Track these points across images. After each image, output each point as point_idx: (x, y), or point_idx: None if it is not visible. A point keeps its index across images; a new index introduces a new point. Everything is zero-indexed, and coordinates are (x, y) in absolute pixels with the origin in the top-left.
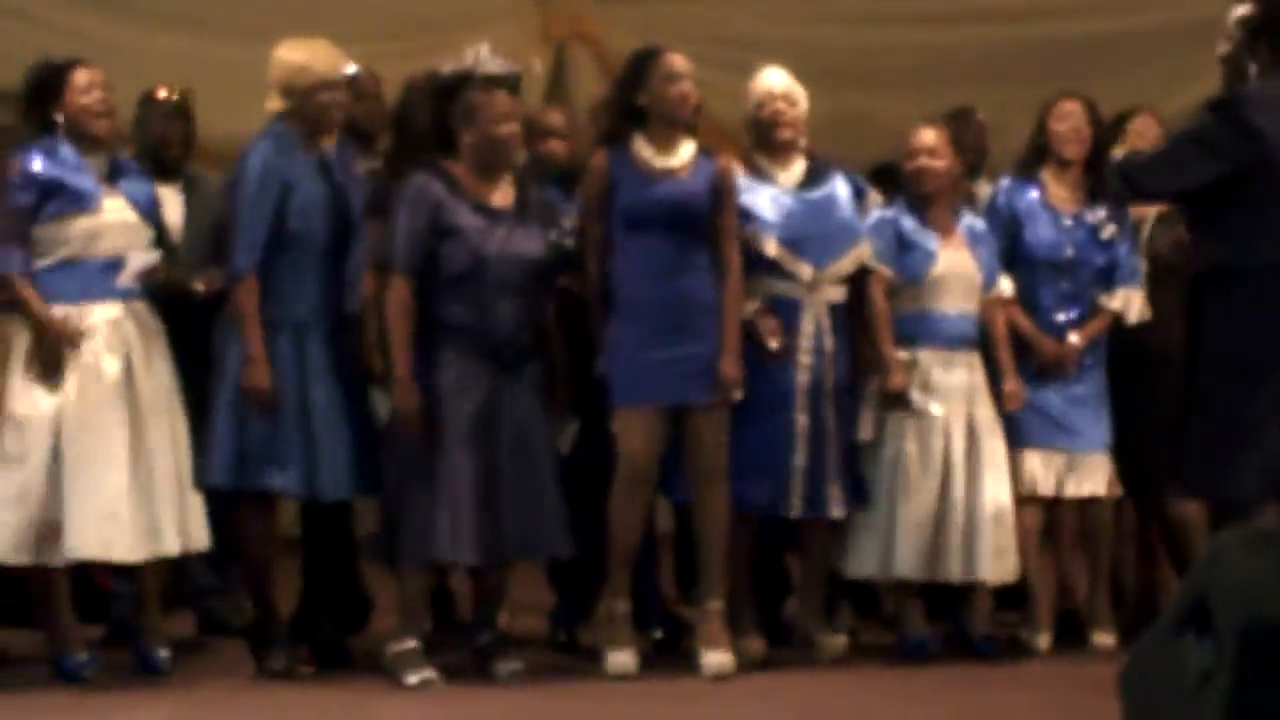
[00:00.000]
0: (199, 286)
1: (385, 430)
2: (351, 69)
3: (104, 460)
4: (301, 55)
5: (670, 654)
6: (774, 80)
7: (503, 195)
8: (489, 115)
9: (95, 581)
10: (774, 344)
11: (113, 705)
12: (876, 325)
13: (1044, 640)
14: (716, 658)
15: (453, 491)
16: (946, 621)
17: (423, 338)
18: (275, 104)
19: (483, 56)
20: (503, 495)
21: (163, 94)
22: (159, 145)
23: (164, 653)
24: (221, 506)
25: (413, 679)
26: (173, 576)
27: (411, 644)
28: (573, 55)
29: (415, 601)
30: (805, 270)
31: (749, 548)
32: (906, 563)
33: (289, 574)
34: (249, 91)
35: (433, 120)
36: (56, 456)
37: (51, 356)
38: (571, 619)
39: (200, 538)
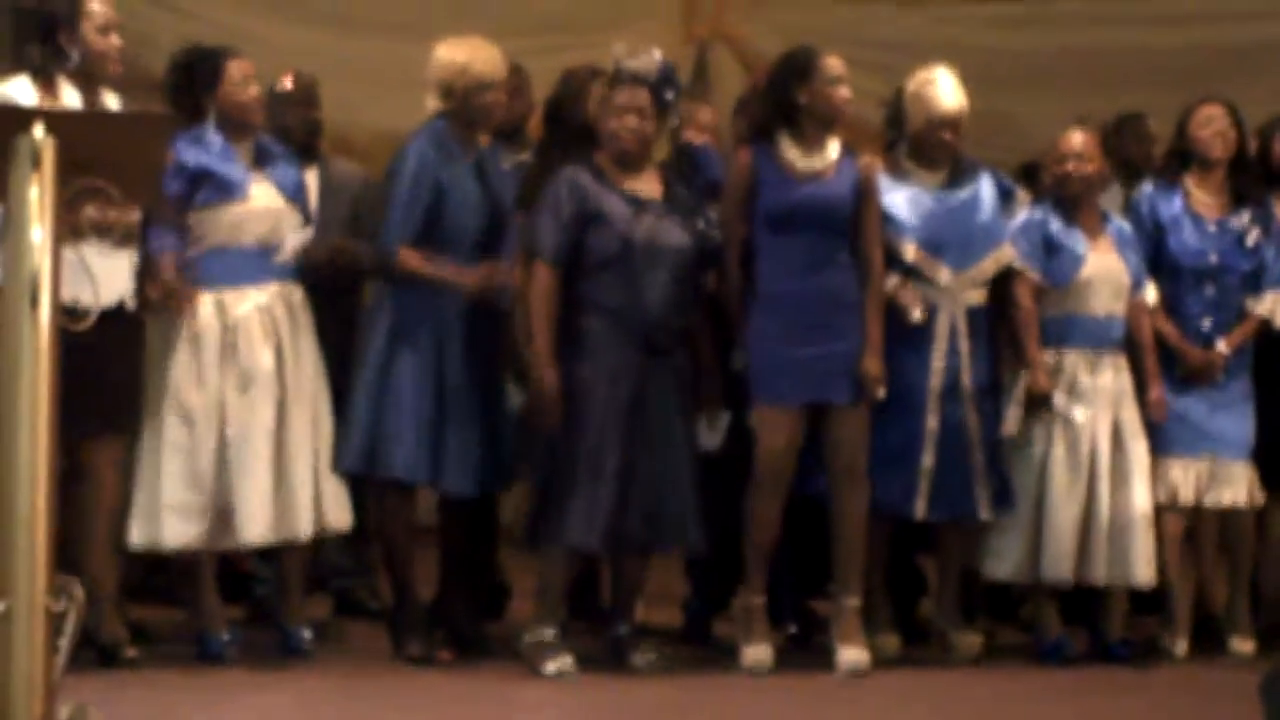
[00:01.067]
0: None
1: (523, 417)
2: None
3: (263, 446)
4: (463, 55)
5: (804, 649)
6: (947, 101)
7: (649, 186)
8: (617, 109)
9: (235, 563)
10: (917, 314)
11: (252, 684)
12: (1022, 327)
13: (1181, 645)
14: (852, 654)
15: (593, 478)
16: (1083, 625)
17: (570, 326)
18: (435, 103)
19: (620, 53)
20: (639, 483)
21: (287, 84)
22: (285, 133)
23: (306, 633)
24: (361, 490)
25: (550, 668)
26: (310, 559)
27: (549, 632)
28: (715, 55)
29: (554, 589)
30: (943, 274)
31: (884, 545)
32: (1055, 566)
33: (428, 560)
34: (393, 86)
35: (582, 114)
36: (222, 446)
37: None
38: (707, 612)
39: (340, 519)
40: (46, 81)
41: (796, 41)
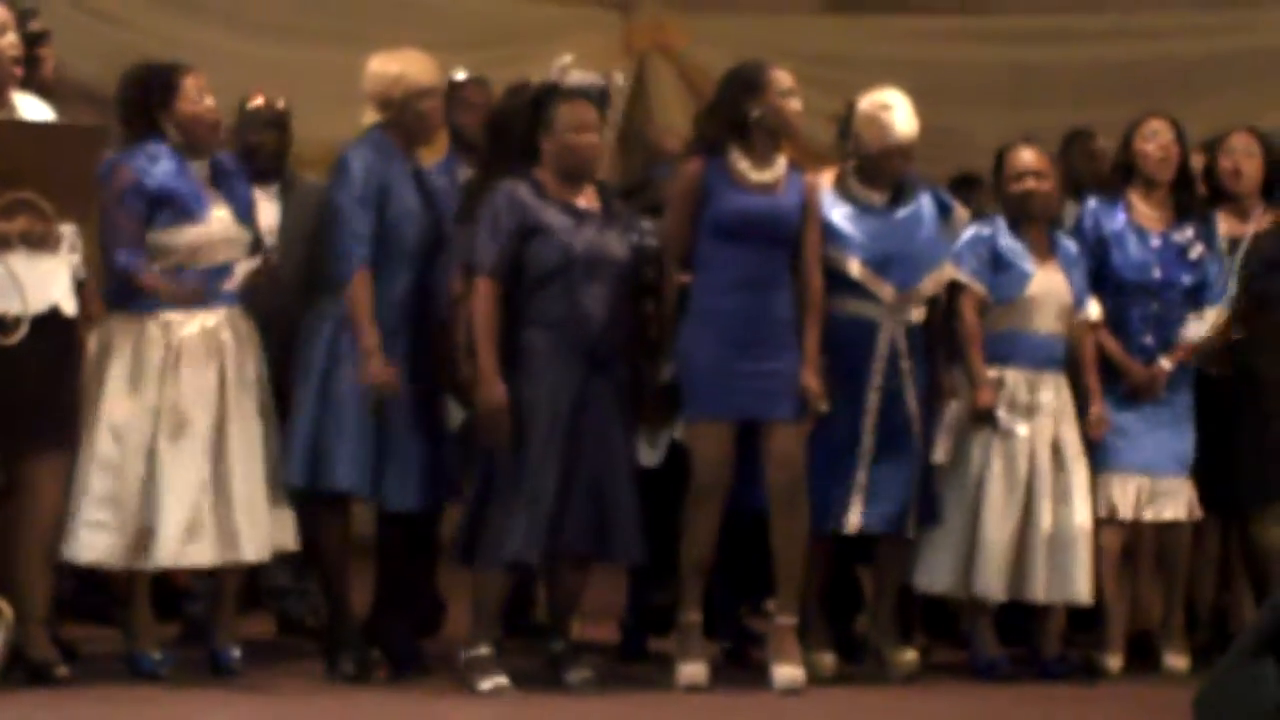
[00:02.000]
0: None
1: (464, 434)
2: (461, 75)
3: (192, 468)
4: (396, 66)
5: (739, 666)
6: (903, 129)
7: (587, 199)
8: (568, 125)
9: (172, 580)
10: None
11: (187, 704)
12: (967, 342)
13: (1115, 661)
14: (788, 672)
15: (534, 493)
16: (1019, 642)
17: (511, 341)
18: (371, 115)
19: (564, 68)
20: (579, 495)
21: (259, 102)
22: (255, 152)
23: (235, 652)
24: (299, 507)
25: (485, 685)
26: (250, 577)
27: (485, 650)
28: (654, 67)
29: (489, 606)
30: (888, 291)
31: (824, 562)
32: (988, 581)
33: (365, 576)
34: (341, 98)
35: (524, 129)
36: (151, 465)
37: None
38: (644, 628)
39: (284, 539)
40: None
41: (735, 54)
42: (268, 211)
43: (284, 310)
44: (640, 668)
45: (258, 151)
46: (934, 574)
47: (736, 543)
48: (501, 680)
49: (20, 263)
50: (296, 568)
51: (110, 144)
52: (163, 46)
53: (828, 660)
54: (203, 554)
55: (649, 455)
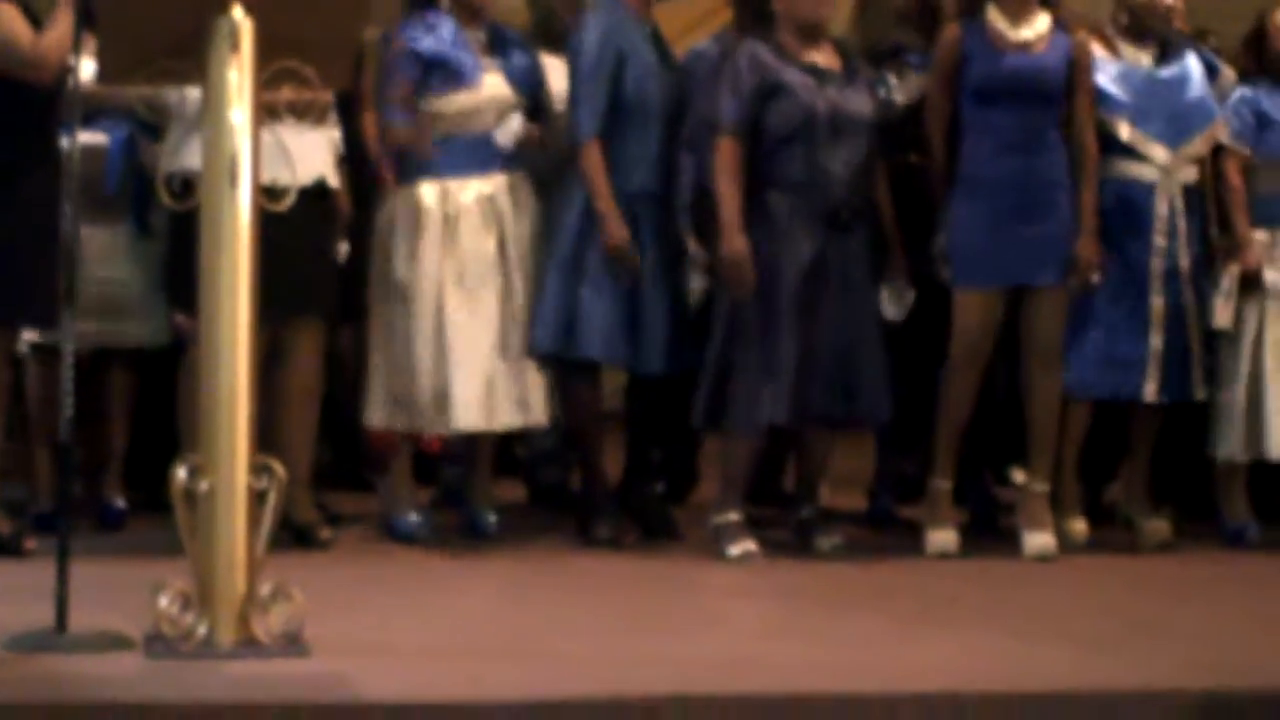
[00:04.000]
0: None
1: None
2: None
3: (482, 334)
4: None
5: (987, 533)
6: None
7: (827, 58)
8: None
9: (424, 447)
10: None
11: (444, 566)
12: (1233, 206)
13: None
14: (1039, 539)
15: (780, 354)
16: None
17: (752, 201)
18: None
19: None
20: (825, 358)
21: None
22: (548, 16)
23: (491, 516)
24: (552, 375)
25: (734, 550)
26: (502, 443)
27: (734, 516)
28: None
29: (737, 472)
30: (1159, 152)
31: (1080, 429)
32: (1276, 446)
33: (618, 444)
34: None
35: None
36: (440, 330)
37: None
38: (892, 496)
39: (543, 410)
40: None
41: None
42: (559, 77)
43: (546, 155)
44: (888, 535)
45: (551, 13)
46: (1220, 442)
47: (985, 410)
48: (750, 546)
49: (287, 133)
50: (548, 434)
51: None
52: None
53: (1079, 527)
54: (500, 417)
55: (893, 310)
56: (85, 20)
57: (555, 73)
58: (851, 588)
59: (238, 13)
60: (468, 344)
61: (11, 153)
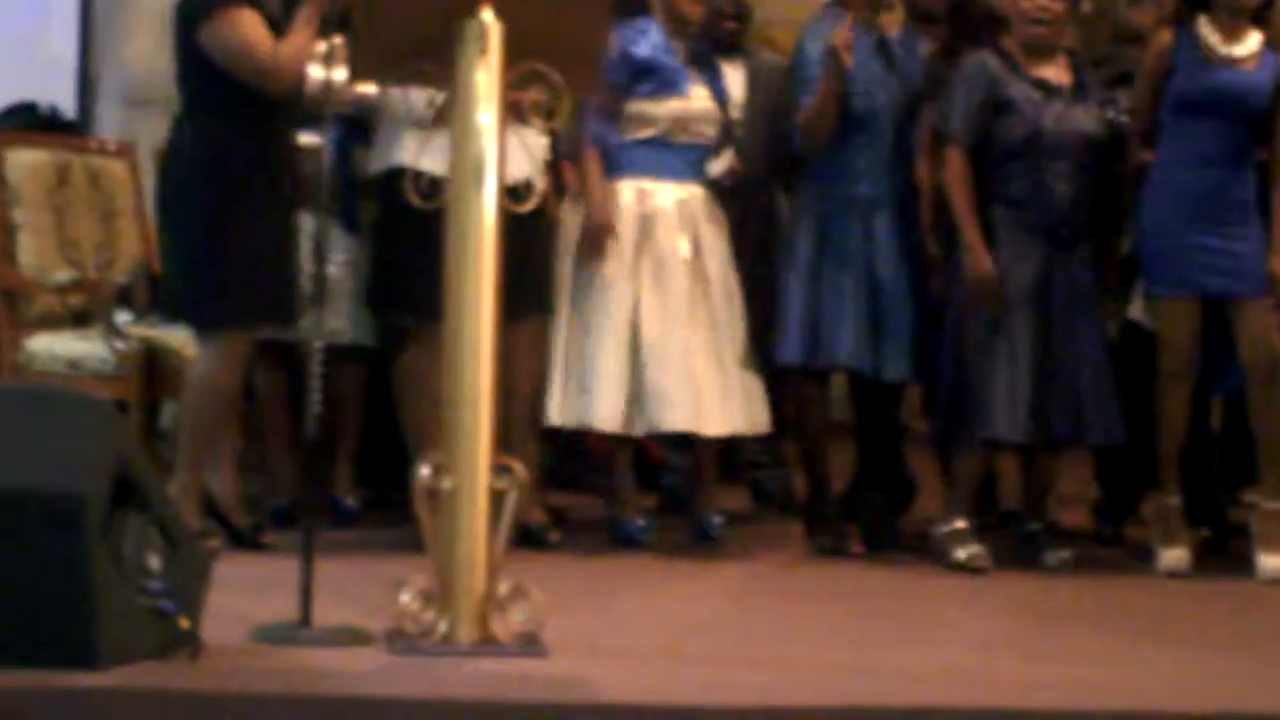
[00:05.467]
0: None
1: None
2: None
3: (683, 336)
4: None
5: (1219, 554)
6: None
7: (1059, 73)
8: None
9: (647, 453)
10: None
11: (672, 570)
12: None
13: None
14: (1275, 561)
15: (1010, 369)
16: None
17: (977, 213)
18: None
19: None
20: (1055, 375)
21: None
22: (714, 20)
23: (717, 520)
24: (776, 384)
25: (961, 554)
26: (724, 449)
27: (961, 524)
28: None
29: (966, 481)
30: None
31: None
32: None
33: (836, 453)
34: None
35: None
36: (637, 332)
37: (593, 240)
38: (1118, 513)
39: (759, 418)
40: None
41: None
42: (734, 83)
43: (744, 183)
44: (1115, 552)
45: (718, 16)
46: None
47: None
48: (976, 549)
49: (533, 138)
50: (771, 443)
51: None
52: None
53: None
54: (711, 422)
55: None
56: (337, 24)
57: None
58: (1082, 604)
59: (487, 15)
60: (664, 345)
61: (249, 155)
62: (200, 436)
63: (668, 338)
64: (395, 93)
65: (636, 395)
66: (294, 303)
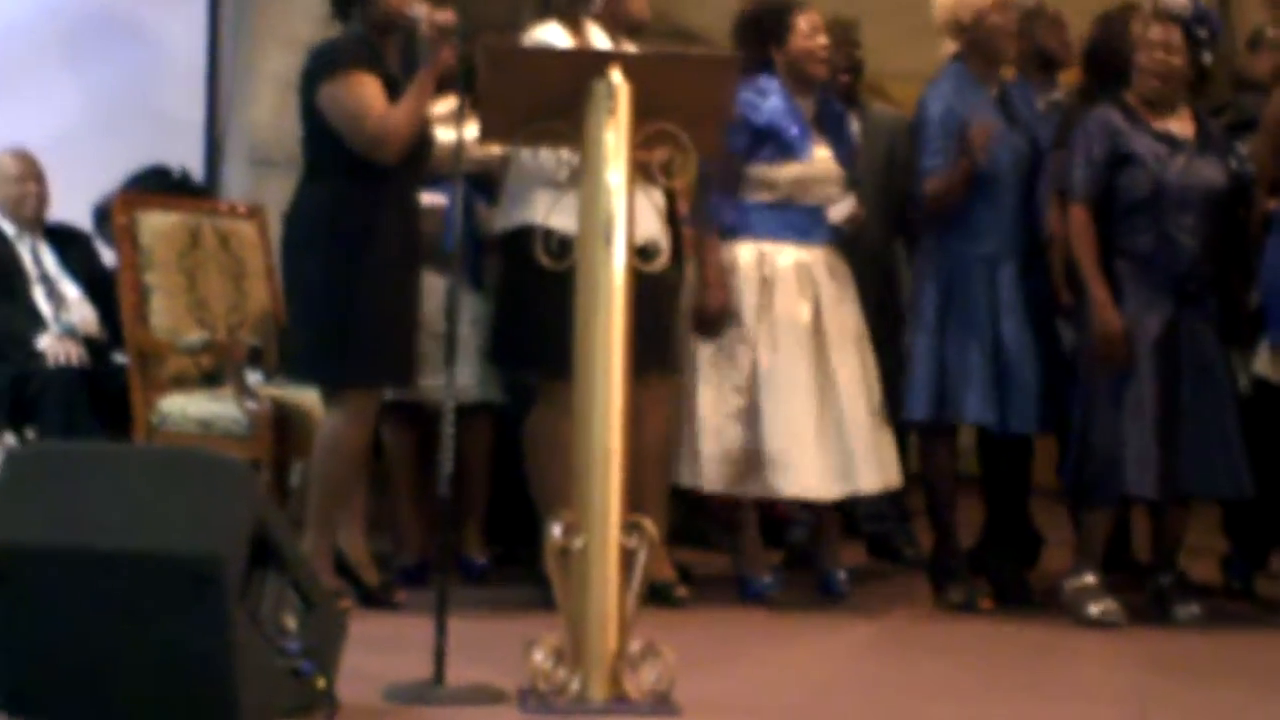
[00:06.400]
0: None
1: (1072, 363)
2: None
3: (797, 400)
4: None
5: None
6: None
7: (1182, 125)
8: (1154, 45)
9: (773, 509)
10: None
11: (799, 626)
12: None
13: None
14: None
15: (1138, 423)
16: None
17: (1102, 269)
18: (949, 47)
19: None
20: (1183, 429)
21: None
22: (830, 75)
23: (843, 575)
24: (900, 437)
25: (1094, 610)
26: (844, 504)
27: (1091, 579)
28: None
29: (1096, 536)
30: None
31: None
32: None
33: (962, 508)
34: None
35: (1123, 56)
36: (753, 395)
37: (708, 324)
38: (1249, 568)
39: (894, 475)
40: (574, 25)
41: None
42: None
43: (859, 233)
44: (1245, 606)
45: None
46: None
47: None
48: (1111, 606)
49: (660, 197)
50: (894, 496)
51: None
52: None
53: None
54: (818, 487)
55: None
56: (465, 84)
57: None
58: (1213, 659)
59: (616, 75)
60: (785, 409)
61: (368, 215)
62: (330, 496)
63: (789, 403)
64: (525, 151)
65: (754, 461)
66: (413, 362)
